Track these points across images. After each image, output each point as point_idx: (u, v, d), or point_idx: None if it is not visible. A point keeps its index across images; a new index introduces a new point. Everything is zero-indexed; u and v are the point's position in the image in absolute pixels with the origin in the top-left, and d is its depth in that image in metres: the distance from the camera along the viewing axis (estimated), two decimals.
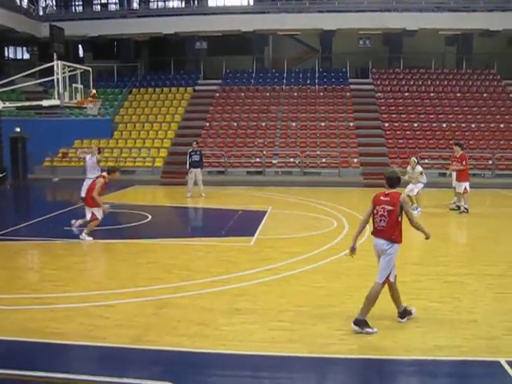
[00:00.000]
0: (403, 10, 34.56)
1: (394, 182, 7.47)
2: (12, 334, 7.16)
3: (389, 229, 7.25)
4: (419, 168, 17.05)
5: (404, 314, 7.61)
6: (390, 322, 7.54)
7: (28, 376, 6.06)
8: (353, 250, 7.62)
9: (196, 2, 41.29)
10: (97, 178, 13.75)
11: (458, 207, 17.41)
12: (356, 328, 7.15)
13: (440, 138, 29.82)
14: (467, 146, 28.59)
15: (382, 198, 7.38)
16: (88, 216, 13.30)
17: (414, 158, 17.28)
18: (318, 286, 9.26)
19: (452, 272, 10.15)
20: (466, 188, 16.95)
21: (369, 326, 7.15)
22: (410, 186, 16.90)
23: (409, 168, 17.15)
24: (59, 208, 17.53)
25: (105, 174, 13.59)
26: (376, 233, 7.41)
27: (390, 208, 7.24)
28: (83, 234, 12.96)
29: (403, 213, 7.30)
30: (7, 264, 11.10)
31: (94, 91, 19.61)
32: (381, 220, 7.31)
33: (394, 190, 7.41)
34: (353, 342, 6.87)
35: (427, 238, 7.81)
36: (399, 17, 34.06)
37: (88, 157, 16.58)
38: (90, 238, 12.92)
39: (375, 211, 7.40)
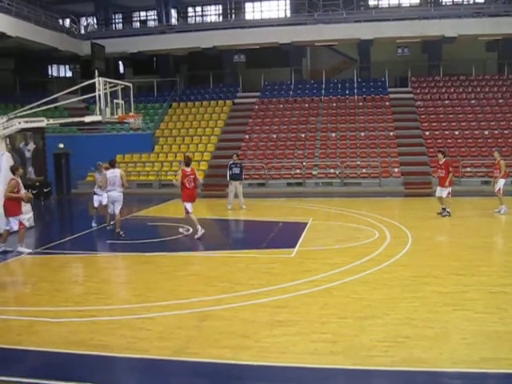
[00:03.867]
0: (442, 16, 34.20)
1: None
2: (56, 345, 7.27)
3: None
4: (105, 172, 15.84)
5: None
6: (434, 333, 7.42)
7: None
8: None
9: (233, 16, 41.68)
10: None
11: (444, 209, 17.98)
12: None
13: (482, 145, 29.32)
14: (511, 152, 28.17)
15: None
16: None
17: (101, 163, 16.72)
18: (360, 297, 9.17)
19: (496, 282, 9.92)
20: (448, 193, 17.81)
21: None
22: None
23: (96, 173, 16.42)
24: (102, 222, 17.77)
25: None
26: None
27: None
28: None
29: None
30: (51, 277, 11.31)
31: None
32: None
33: None
34: (396, 354, 6.77)
35: None
36: (438, 24, 33.68)
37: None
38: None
39: None
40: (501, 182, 18.06)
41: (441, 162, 18.06)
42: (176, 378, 6.48)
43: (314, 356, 6.78)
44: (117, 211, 15.54)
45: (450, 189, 17.81)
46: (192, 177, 14.95)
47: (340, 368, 6.48)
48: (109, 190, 15.52)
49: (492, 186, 18.42)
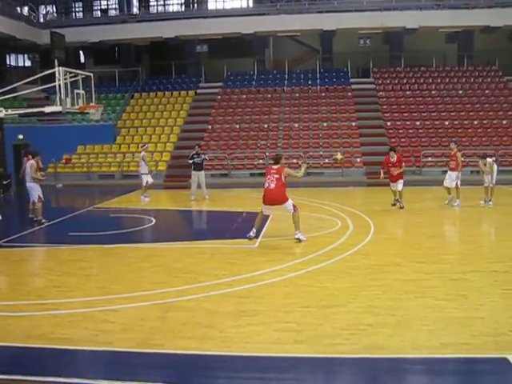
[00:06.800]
0: (403, 8, 34.59)
1: None
2: (17, 340, 7.14)
3: None
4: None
5: None
6: (396, 321, 7.52)
7: (34, 381, 6.05)
8: None
9: (196, 6, 41.39)
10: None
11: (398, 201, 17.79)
12: None
13: (442, 135, 29.78)
14: (470, 142, 28.70)
15: None
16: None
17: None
18: (323, 286, 9.23)
19: (457, 269, 10.11)
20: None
21: None
22: None
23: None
24: (63, 214, 17.54)
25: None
26: None
27: None
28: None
29: None
30: (12, 271, 11.11)
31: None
32: None
33: None
34: (359, 341, 6.84)
35: None
36: (399, 15, 34.09)
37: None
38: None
39: None
40: (458, 175, 17.66)
41: (393, 160, 17.49)
42: (140, 369, 6.44)
43: (277, 345, 6.81)
44: (36, 199, 15.83)
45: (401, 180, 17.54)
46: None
47: (304, 356, 6.52)
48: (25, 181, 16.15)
49: (448, 178, 18.00)
